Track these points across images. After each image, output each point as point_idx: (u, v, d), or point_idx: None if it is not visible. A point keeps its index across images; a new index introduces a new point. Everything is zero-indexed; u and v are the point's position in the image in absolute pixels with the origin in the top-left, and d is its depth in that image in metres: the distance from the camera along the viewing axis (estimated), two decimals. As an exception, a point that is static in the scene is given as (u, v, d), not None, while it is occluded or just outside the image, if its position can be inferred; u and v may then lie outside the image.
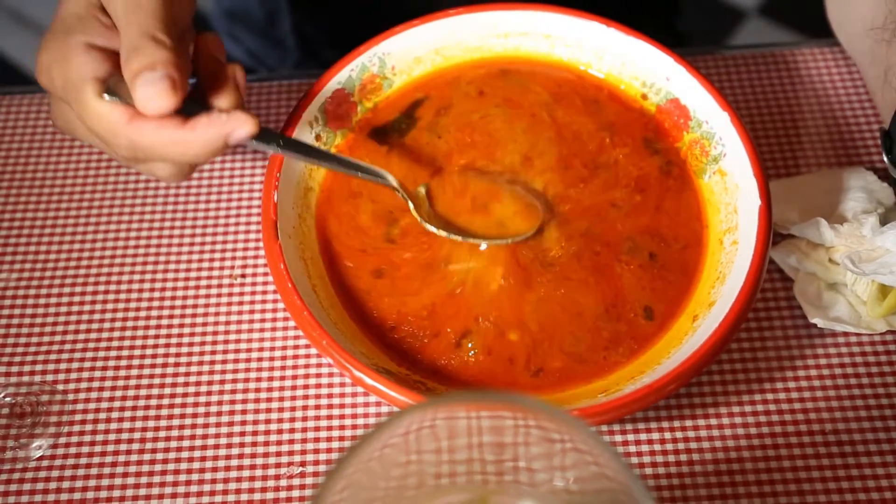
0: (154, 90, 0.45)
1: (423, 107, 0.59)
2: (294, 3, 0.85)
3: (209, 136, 0.47)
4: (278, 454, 0.51)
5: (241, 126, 0.47)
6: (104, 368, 0.54)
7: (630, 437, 0.52)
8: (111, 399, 0.53)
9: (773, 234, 0.55)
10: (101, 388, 0.54)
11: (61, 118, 0.51)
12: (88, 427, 0.52)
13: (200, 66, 0.51)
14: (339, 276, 0.54)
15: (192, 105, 0.47)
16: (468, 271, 0.53)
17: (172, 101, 0.46)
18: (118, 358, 0.55)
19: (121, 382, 0.54)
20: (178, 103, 0.46)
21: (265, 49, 0.91)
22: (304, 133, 0.56)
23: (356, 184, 0.56)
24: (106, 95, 0.46)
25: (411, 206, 0.54)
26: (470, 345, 0.51)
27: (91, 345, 0.55)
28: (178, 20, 0.49)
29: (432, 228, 0.53)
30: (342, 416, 0.53)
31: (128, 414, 0.53)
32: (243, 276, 0.58)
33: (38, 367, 0.54)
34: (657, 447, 0.52)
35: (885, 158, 0.55)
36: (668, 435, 0.52)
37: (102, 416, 0.53)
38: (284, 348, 0.55)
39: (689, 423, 0.52)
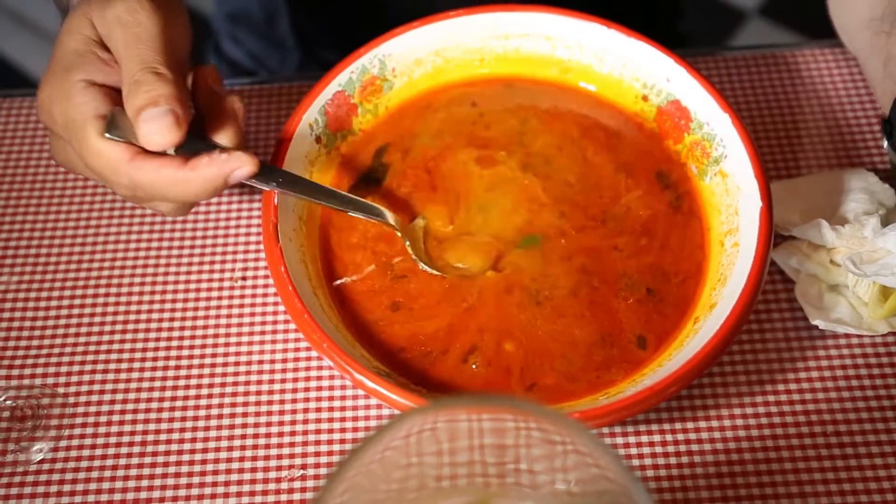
0: (158, 126, 0.46)
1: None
2: (292, 2, 0.85)
3: (209, 175, 0.47)
4: (279, 457, 0.51)
5: (242, 166, 0.48)
6: (105, 371, 0.54)
7: (631, 438, 0.52)
8: (112, 402, 0.53)
9: (774, 235, 0.55)
10: (101, 392, 0.53)
11: (62, 154, 0.51)
12: (89, 430, 0.52)
13: (199, 98, 0.51)
14: (338, 280, 0.54)
15: (193, 141, 0.48)
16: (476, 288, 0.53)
17: (176, 136, 0.46)
18: (119, 361, 0.55)
19: (121, 385, 0.54)
20: (182, 138, 0.46)
21: (266, 50, 0.91)
22: (303, 135, 0.56)
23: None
24: (107, 134, 0.47)
25: (409, 246, 0.54)
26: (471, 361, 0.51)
27: (92, 348, 0.55)
28: (178, 52, 0.49)
29: (427, 268, 0.53)
30: (343, 419, 0.53)
31: (129, 417, 0.53)
32: (244, 278, 0.58)
33: (39, 371, 0.54)
34: (658, 449, 0.51)
35: (885, 144, 0.55)
36: (669, 437, 0.52)
37: (103, 419, 0.53)
38: (285, 351, 0.55)
39: (690, 424, 0.52)
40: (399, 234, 0.54)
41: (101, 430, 0.52)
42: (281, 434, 0.52)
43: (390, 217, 0.54)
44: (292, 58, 0.89)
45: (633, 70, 0.59)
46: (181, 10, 0.52)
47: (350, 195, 0.54)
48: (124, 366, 0.54)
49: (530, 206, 0.56)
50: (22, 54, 1.65)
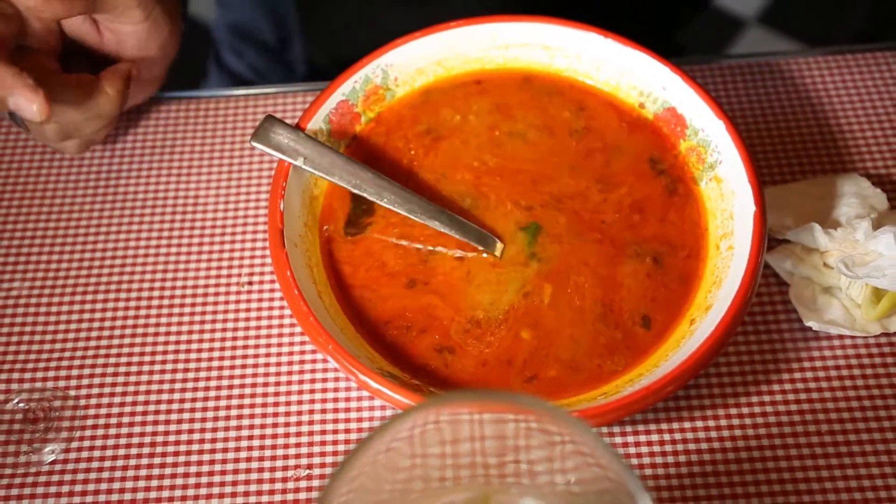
0: None
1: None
2: (307, 32, 0.86)
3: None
4: (285, 457, 0.53)
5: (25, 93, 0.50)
6: (115, 374, 0.56)
7: (630, 438, 0.53)
8: (122, 404, 0.54)
9: (768, 239, 0.56)
10: (112, 394, 0.55)
11: None
12: (100, 432, 0.53)
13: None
14: (341, 280, 0.55)
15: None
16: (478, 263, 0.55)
17: None
18: (128, 364, 0.56)
19: (131, 388, 0.55)
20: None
21: (269, 67, 0.92)
22: (309, 143, 0.57)
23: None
24: None
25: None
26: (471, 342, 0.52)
27: (102, 351, 0.56)
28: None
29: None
30: (348, 420, 0.54)
31: (138, 419, 0.54)
32: (250, 283, 0.59)
33: (51, 374, 0.55)
34: (656, 448, 0.53)
35: None
36: (667, 437, 0.53)
37: (114, 420, 0.54)
38: (291, 353, 0.56)
39: (687, 424, 0.54)
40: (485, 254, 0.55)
41: (112, 431, 0.54)
42: (287, 434, 0.53)
43: (495, 244, 0.55)
44: (296, 77, 0.90)
45: (631, 78, 0.61)
46: None
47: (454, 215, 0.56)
48: (134, 368, 0.56)
49: (528, 197, 0.57)
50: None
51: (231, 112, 0.67)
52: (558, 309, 0.53)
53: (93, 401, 0.55)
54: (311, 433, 0.53)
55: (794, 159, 0.64)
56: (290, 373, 0.56)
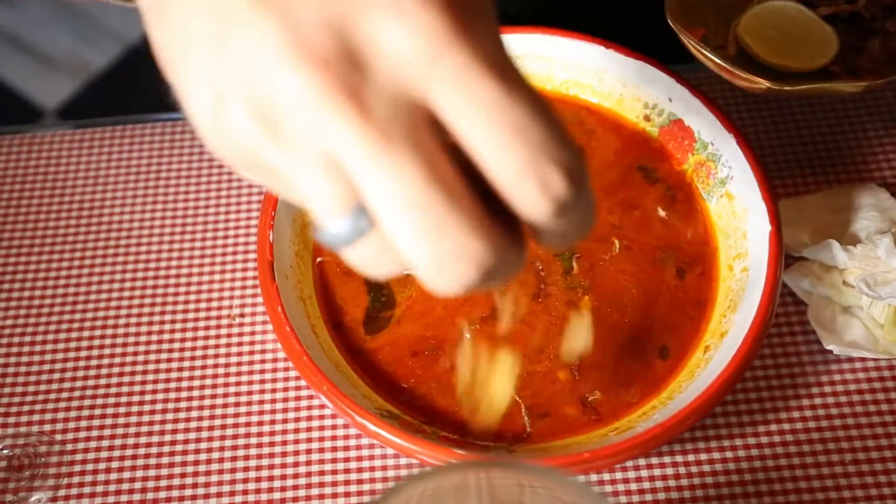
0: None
1: None
2: None
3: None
4: (283, 500, 0.50)
5: None
6: (103, 416, 0.53)
7: (643, 472, 0.50)
8: (111, 448, 0.52)
9: (785, 257, 0.54)
10: (100, 437, 0.52)
11: None
12: (88, 478, 0.51)
13: None
14: (336, 313, 0.52)
15: None
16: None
17: None
18: (116, 405, 0.53)
19: (120, 430, 0.53)
20: None
21: None
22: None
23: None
24: None
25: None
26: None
27: (89, 392, 0.54)
28: None
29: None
30: (347, 459, 0.51)
31: (128, 463, 0.51)
32: (242, 315, 0.57)
33: (35, 417, 0.53)
34: (672, 483, 0.50)
35: None
36: (682, 469, 0.50)
37: (102, 466, 0.51)
38: (286, 389, 0.54)
39: (703, 455, 0.51)
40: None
41: (101, 477, 0.51)
42: (284, 476, 0.51)
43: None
44: None
45: (634, 90, 0.58)
46: None
47: None
48: (122, 410, 0.53)
49: None
50: (21, 79, 1.65)
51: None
52: (597, 345, 0.50)
53: (80, 445, 0.52)
54: (308, 474, 0.51)
55: (808, 169, 0.61)
56: (285, 410, 0.53)
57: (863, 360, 0.53)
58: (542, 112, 0.26)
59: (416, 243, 0.26)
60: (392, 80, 0.26)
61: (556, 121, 0.27)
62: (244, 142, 0.27)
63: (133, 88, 1.65)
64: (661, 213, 0.55)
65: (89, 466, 0.51)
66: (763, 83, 0.51)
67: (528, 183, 0.26)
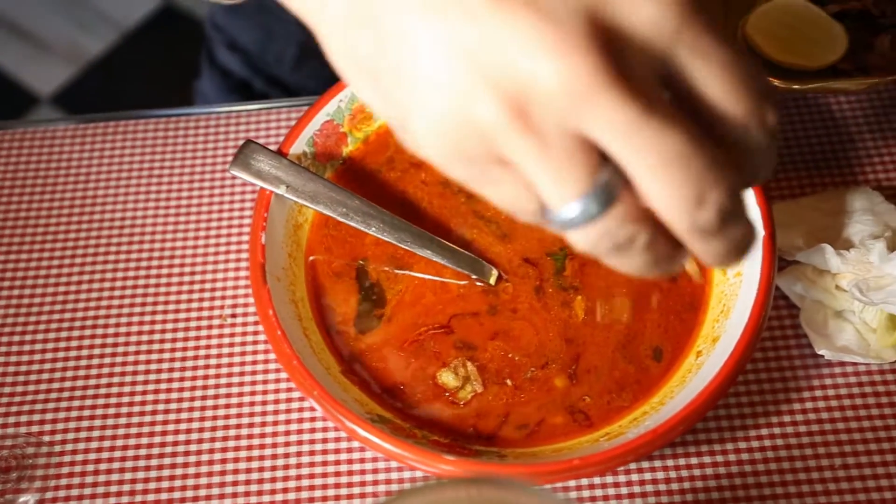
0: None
1: None
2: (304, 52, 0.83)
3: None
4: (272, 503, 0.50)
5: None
6: (91, 417, 0.53)
7: (634, 476, 0.50)
8: (99, 450, 0.52)
9: (778, 260, 0.53)
10: (88, 439, 0.52)
11: None
12: (76, 480, 0.51)
13: None
14: (327, 313, 0.52)
15: None
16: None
17: None
18: (105, 406, 0.53)
19: (108, 431, 0.52)
20: None
21: (263, 45, 0.88)
22: (291, 168, 0.54)
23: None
24: None
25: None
26: (470, 387, 0.50)
27: (77, 392, 0.54)
28: None
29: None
30: (338, 462, 0.51)
31: (116, 465, 0.51)
32: (234, 315, 0.56)
33: (23, 418, 0.53)
34: (662, 487, 0.50)
35: None
36: (672, 474, 0.50)
37: (90, 467, 0.51)
38: (278, 391, 0.54)
39: (694, 460, 0.51)
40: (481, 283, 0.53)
41: (89, 479, 0.51)
42: (274, 479, 0.51)
43: (491, 273, 0.52)
44: (290, 52, 0.86)
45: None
46: None
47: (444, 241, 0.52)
48: (111, 411, 0.53)
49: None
50: (16, 66, 1.64)
51: (212, 131, 0.64)
52: (592, 346, 0.51)
53: (68, 446, 0.52)
54: (298, 477, 0.51)
55: (804, 171, 0.61)
56: (276, 412, 0.53)
57: (854, 364, 0.53)
58: (753, 64, 0.30)
59: (681, 189, 0.28)
60: (643, 51, 0.28)
61: (760, 68, 0.31)
62: (486, 134, 0.29)
63: (129, 76, 1.65)
64: None
65: (77, 469, 0.51)
66: (772, 82, 0.50)
67: (755, 121, 0.30)
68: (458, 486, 0.29)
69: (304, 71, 0.88)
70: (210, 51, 0.92)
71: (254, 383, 0.54)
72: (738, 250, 0.32)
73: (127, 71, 1.63)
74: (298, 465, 0.51)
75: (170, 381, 0.54)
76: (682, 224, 0.29)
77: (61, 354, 0.55)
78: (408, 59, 0.29)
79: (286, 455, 0.51)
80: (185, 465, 0.51)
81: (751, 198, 0.51)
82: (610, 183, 0.29)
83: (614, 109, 0.27)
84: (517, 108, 0.28)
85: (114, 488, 0.50)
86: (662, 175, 0.28)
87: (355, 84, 0.32)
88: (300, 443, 0.52)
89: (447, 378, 0.50)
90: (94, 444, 0.52)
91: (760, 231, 0.49)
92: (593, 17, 0.28)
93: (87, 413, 0.53)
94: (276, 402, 0.53)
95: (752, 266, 0.50)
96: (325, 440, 0.52)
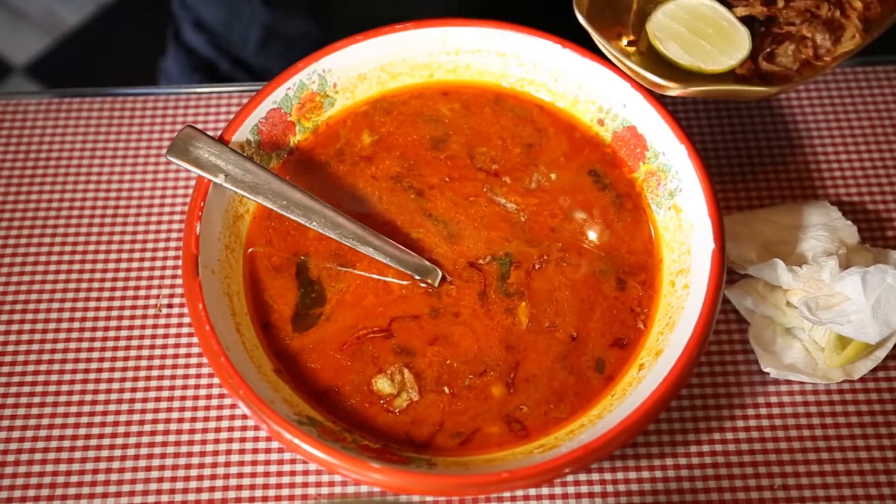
0: None
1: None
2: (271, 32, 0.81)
3: None
4: (198, 503, 0.48)
5: None
6: (15, 406, 0.51)
7: (570, 489, 0.49)
8: (21, 440, 0.50)
9: (730, 273, 0.52)
10: (10, 427, 0.50)
11: None
12: (-5, 470, 0.49)
13: None
14: (264, 310, 0.51)
15: None
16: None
17: None
18: (31, 395, 0.51)
19: (32, 421, 0.51)
20: None
21: (229, 21, 0.86)
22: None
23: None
24: None
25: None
26: (406, 395, 0.48)
27: (2, 379, 0.52)
28: None
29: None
30: (268, 462, 0.50)
31: (38, 456, 0.50)
32: (170, 305, 0.54)
33: (-55, 403, 0.51)
34: (598, 500, 0.49)
35: None
36: (610, 487, 0.49)
37: (11, 458, 0.49)
38: (210, 386, 0.52)
39: (632, 474, 0.50)
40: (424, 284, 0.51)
41: (9, 470, 0.49)
42: (201, 477, 0.49)
43: (435, 274, 0.51)
44: (254, 33, 0.84)
45: (589, 93, 0.56)
46: None
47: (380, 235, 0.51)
48: (37, 399, 0.51)
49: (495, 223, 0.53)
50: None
51: (170, 112, 0.62)
52: (533, 353, 0.49)
53: (-10, 435, 0.50)
54: (226, 476, 0.49)
55: (763, 182, 0.59)
56: (207, 408, 0.51)
57: (801, 383, 0.52)
58: None
59: None
60: None
61: None
62: None
63: (105, 49, 1.62)
64: (607, 220, 0.53)
65: (-2, 457, 0.49)
66: (668, 86, 0.49)
67: None
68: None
69: (269, 52, 0.86)
70: (176, 29, 0.90)
71: (186, 377, 0.52)
72: None
73: (103, 45, 1.60)
74: (227, 464, 0.49)
75: (99, 370, 0.52)
76: None
77: (-12, 339, 0.53)
78: None
79: (215, 453, 0.50)
80: (110, 458, 0.50)
81: (703, 207, 0.50)
82: None
83: None
84: None
85: (34, 480, 0.49)
86: None
87: None
88: (230, 440, 0.50)
89: (383, 385, 0.48)
90: (15, 434, 0.50)
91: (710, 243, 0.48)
92: None
93: (11, 400, 0.51)
94: (209, 397, 0.52)
95: (700, 279, 0.48)
96: (256, 439, 0.50)
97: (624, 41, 0.53)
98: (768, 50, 0.51)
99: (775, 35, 0.52)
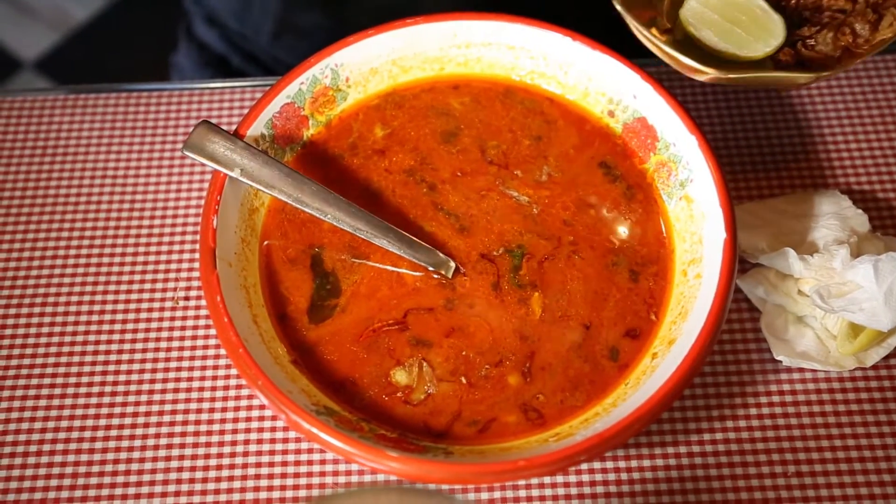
0: None
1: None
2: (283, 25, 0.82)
3: None
4: (217, 492, 0.49)
5: None
6: (37, 397, 0.52)
7: (585, 476, 0.50)
8: (43, 430, 0.51)
9: (742, 262, 0.53)
10: (32, 419, 0.51)
11: None
12: (18, 461, 0.50)
13: None
14: (280, 301, 0.51)
15: None
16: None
17: None
18: (52, 386, 0.52)
19: (54, 413, 0.51)
20: None
21: (241, 16, 0.86)
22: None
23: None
24: None
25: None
26: (424, 387, 0.49)
27: (24, 371, 0.53)
28: None
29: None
30: (285, 452, 0.50)
31: (60, 447, 0.50)
32: (187, 298, 0.55)
33: (-32, 396, 0.52)
34: (612, 488, 0.49)
35: None
36: (624, 475, 0.50)
37: (33, 448, 0.50)
38: (228, 377, 0.53)
39: (646, 462, 0.50)
40: (437, 275, 0.52)
41: (31, 460, 0.50)
42: (220, 467, 0.50)
43: (448, 266, 0.51)
44: (267, 25, 0.85)
45: (599, 84, 0.56)
46: None
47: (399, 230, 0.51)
48: (57, 391, 0.52)
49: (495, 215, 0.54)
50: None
51: (185, 108, 0.63)
52: (548, 343, 0.50)
53: (11, 426, 0.51)
54: (245, 465, 0.50)
55: (773, 172, 0.60)
56: (225, 398, 0.52)
57: (813, 371, 0.53)
58: None
59: None
60: None
61: None
62: None
63: (114, 45, 1.62)
64: (619, 211, 0.54)
65: (20, 449, 0.50)
66: (705, 71, 0.49)
67: None
68: (380, 492, 0.28)
69: (281, 45, 0.86)
70: (188, 24, 0.91)
71: (203, 368, 0.53)
72: None
73: (112, 40, 1.61)
74: (245, 454, 0.50)
75: (118, 362, 0.53)
76: None
77: (8, 332, 0.54)
78: None
79: (233, 443, 0.50)
80: (130, 448, 0.50)
81: (715, 197, 0.50)
82: None
83: None
84: None
85: (56, 470, 0.50)
86: None
87: None
88: (248, 430, 0.51)
89: (401, 377, 0.49)
90: (37, 425, 0.51)
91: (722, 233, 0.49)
92: None
93: (32, 392, 0.52)
94: (226, 388, 0.52)
95: (713, 269, 0.49)
96: (273, 429, 0.51)
97: (655, 31, 0.53)
98: (808, 37, 0.51)
99: (814, 22, 0.52)
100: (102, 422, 0.51)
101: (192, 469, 0.50)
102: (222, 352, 0.53)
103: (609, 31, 0.60)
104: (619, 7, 0.52)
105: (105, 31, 1.62)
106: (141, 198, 0.59)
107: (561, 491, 0.49)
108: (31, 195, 0.59)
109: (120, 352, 0.53)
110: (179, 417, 0.51)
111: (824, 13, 0.52)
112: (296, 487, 0.49)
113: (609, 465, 0.50)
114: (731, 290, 0.47)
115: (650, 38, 0.51)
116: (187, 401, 0.52)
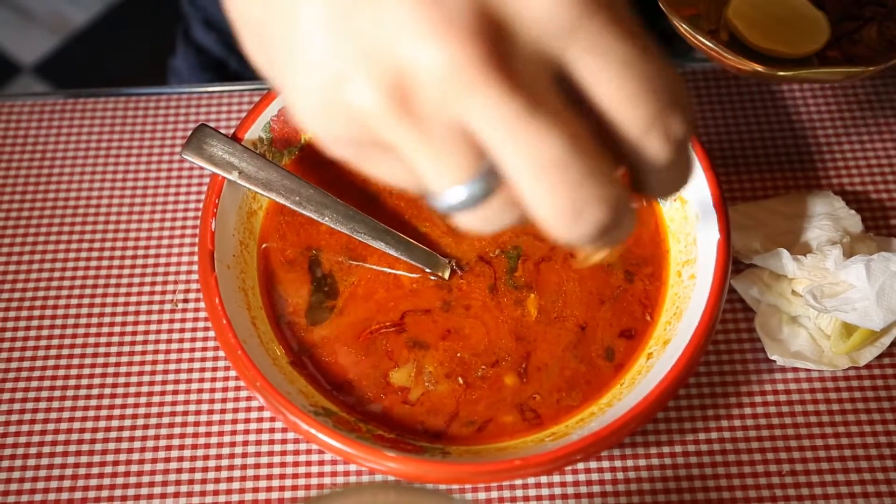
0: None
1: None
2: None
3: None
4: (216, 493, 0.50)
5: None
6: (36, 399, 0.52)
7: (581, 476, 0.50)
8: (43, 432, 0.51)
9: (736, 263, 0.53)
10: (32, 421, 0.51)
11: None
12: (18, 462, 0.50)
13: None
14: (278, 303, 0.52)
15: None
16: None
17: None
18: (51, 388, 0.53)
19: (53, 415, 0.52)
20: None
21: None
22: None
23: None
24: None
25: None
26: (421, 388, 0.49)
27: (24, 374, 0.53)
28: None
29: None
30: (284, 453, 0.51)
31: (59, 449, 0.51)
32: (185, 300, 0.56)
33: (-32, 399, 0.52)
34: (609, 487, 0.50)
35: None
36: (620, 475, 0.50)
37: (33, 450, 0.51)
38: (227, 379, 0.53)
39: (642, 461, 0.51)
40: (434, 277, 0.52)
41: (31, 462, 0.50)
42: (219, 468, 0.50)
43: (445, 268, 0.52)
44: None
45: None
46: None
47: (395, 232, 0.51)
48: (57, 393, 0.52)
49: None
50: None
51: (182, 112, 0.63)
52: (543, 344, 0.50)
53: (11, 428, 0.51)
54: (244, 466, 0.50)
55: (767, 174, 0.60)
56: (224, 400, 0.52)
57: (807, 370, 0.53)
58: (663, 66, 0.28)
59: (556, 197, 0.27)
60: (533, 47, 0.27)
61: (673, 71, 0.28)
62: (363, 118, 0.27)
63: (112, 49, 1.63)
64: None
65: (20, 451, 0.51)
66: (754, 66, 0.49)
67: (655, 131, 0.28)
68: (377, 491, 0.29)
69: None
70: (186, 28, 0.91)
71: (203, 370, 0.53)
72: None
73: (111, 44, 1.61)
74: (244, 455, 0.51)
75: (117, 364, 0.53)
76: (557, 232, 0.28)
77: (8, 335, 0.54)
78: (289, 30, 0.28)
79: (232, 444, 0.51)
80: (130, 450, 0.51)
81: (709, 198, 0.51)
82: (492, 171, 0.27)
83: (494, 104, 0.26)
84: (397, 93, 0.26)
85: (56, 471, 0.50)
86: (537, 180, 0.27)
87: (248, 47, 0.30)
88: (247, 432, 0.51)
89: (398, 378, 0.49)
90: (37, 427, 0.51)
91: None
92: (483, 5, 0.26)
93: (31, 395, 0.52)
94: (225, 389, 0.53)
95: (707, 270, 0.49)
96: (272, 430, 0.51)
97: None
98: (852, 32, 0.52)
99: (855, 16, 0.53)
100: (102, 423, 0.51)
101: (192, 470, 0.50)
102: (221, 353, 0.54)
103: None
104: (662, 5, 0.52)
105: (103, 35, 1.62)
106: (140, 201, 0.59)
107: (557, 490, 0.50)
108: (30, 199, 0.59)
109: (119, 354, 0.54)
110: (179, 419, 0.52)
111: (865, 7, 0.52)
112: (294, 488, 0.50)
113: (605, 464, 0.50)
114: (725, 291, 0.48)
115: (695, 36, 0.50)
116: (186, 402, 0.52)
